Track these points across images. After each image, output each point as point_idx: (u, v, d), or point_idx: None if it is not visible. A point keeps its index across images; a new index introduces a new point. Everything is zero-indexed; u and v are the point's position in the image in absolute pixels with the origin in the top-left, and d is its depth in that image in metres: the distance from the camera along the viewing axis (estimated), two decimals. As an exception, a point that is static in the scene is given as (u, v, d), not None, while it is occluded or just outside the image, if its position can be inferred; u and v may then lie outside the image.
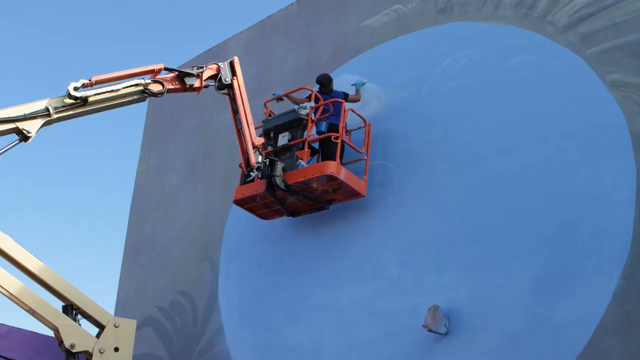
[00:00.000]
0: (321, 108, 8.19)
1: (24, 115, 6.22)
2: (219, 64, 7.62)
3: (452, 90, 7.99)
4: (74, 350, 6.12)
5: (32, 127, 6.25)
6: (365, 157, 8.10)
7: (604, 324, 5.95)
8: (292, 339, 8.17)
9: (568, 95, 6.99)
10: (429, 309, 6.82)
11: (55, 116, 6.39)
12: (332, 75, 8.87)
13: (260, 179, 8.04)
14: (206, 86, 7.55)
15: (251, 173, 7.74)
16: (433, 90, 8.19)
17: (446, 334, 6.86)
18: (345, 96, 8.49)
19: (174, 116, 11.87)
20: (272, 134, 8.15)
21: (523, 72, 7.42)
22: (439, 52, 8.32)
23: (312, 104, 8.18)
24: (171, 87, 7.20)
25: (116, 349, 6.24)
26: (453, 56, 8.15)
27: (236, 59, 7.76)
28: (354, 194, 7.99)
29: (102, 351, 6.17)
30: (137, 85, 6.87)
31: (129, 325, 6.42)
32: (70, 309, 6.32)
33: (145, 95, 6.98)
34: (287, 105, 8.75)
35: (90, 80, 6.61)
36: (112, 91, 6.72)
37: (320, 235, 8.52)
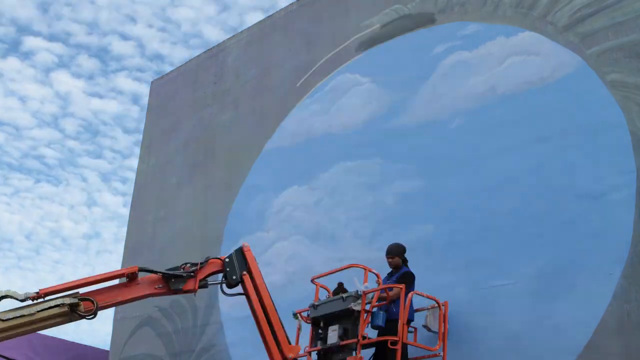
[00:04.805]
0: (377, 294, 6.39)
1: None
2: (224, 257, 6.20)
3: (451, 90, 7.99)
4: None
5: None
6: (441, 353, 6.45)
7: (604, 324, 5.95)
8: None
9: (568, 95, 6.99)
10: (429, 309, 6.82)
11: None
12: (332, 75, 8.85)
13: None
14: (204, 286, 6.06)
15: None
16: (433, 90, 8.19)
17: (446, 333, 6.85)
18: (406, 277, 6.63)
19: (174, 116, 11.87)
20: (321, 324, 6.53)
21: (523, 72, 7.42)
22: (439, 52, 8.31)
23: (369, 286, 6.40)
24: (150, 292, 5.87)
25: None
26: (453, 56, 8.15)
27: (246, 246, 6.29)
28: None
29: None
30: (60, 306, 5.48)
31: None
32: None
33: (77, 315, 5.60)
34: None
35: (38, 292, 5.43)
36: (22, 316, 5.41)
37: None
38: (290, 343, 6.17)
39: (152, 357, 9.99)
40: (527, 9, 7.65)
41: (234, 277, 6.12)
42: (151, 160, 11.98)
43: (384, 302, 6.34)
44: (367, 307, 6.25)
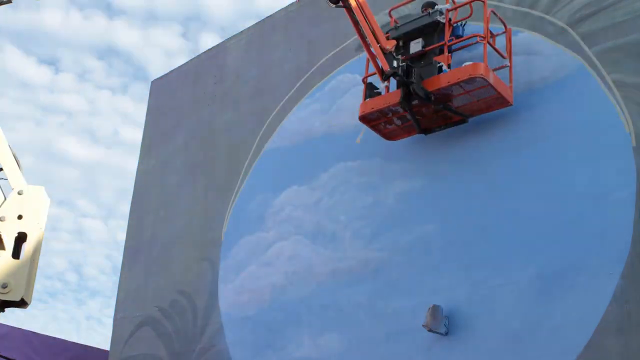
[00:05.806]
0: (457, 11, 7.51)
1: None
2: None
3: (452, 90, 7.98)
4: None
5: None
6: (508, 65, 7.31)
7: (604, 324, 5.95)
8: (292, 339, 8.17)
9: (568, 96, 6.99)
10: (429, 309, 6.82)
11: None
12: (332, 75, 8.84)
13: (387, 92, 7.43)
14: None
15: (382, 84, 7.13)
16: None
17: (446, 334, 6.86)
18: None
19: (174, 116, 11.87)
20: (401, 43, 7.46)
21: (523, 72, 7.41)
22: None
23: (448, 5, 7.55)
24: None
25: (20, 217, 5.79)
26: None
27: None
28: (499, 102, 7.18)
29: (2, 219, 5.73)
30: None
31: (35, 192, 5.89)
32: None
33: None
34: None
35: None
36: None
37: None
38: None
39: (152, 357, 10.00)
40: (527, 9, 7.65)
41: None
42: (151, 160, 11.97)
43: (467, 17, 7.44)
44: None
